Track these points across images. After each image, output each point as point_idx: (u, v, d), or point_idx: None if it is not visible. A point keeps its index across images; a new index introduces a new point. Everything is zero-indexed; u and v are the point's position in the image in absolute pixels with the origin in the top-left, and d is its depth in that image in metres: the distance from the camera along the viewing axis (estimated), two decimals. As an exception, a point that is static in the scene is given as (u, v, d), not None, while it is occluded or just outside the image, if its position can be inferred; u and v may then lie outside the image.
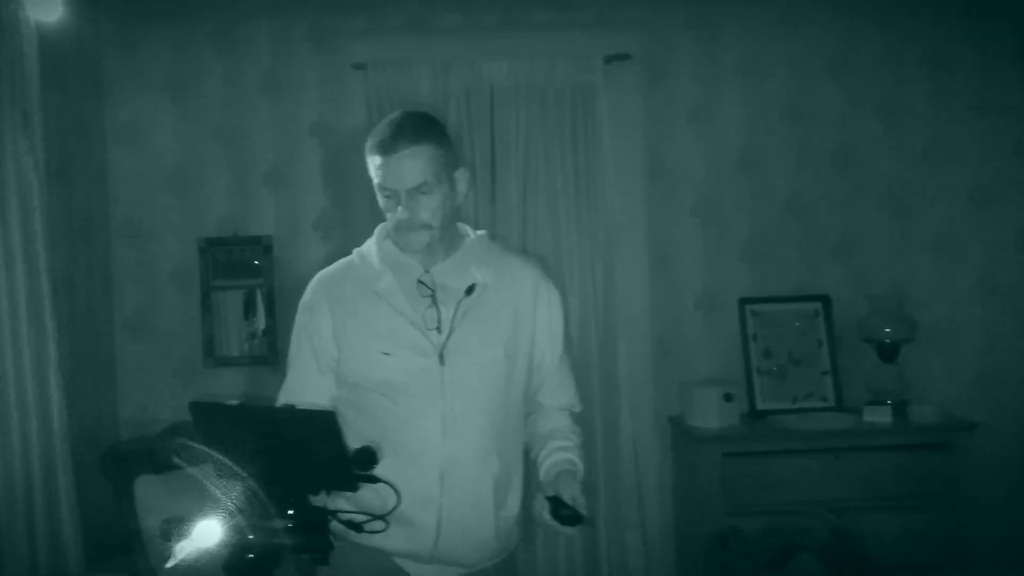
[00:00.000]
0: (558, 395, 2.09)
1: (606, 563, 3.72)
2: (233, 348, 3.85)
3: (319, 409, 1.78)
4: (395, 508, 1.75)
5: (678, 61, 3.92)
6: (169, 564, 1.53)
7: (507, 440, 1.99)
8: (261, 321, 3.83)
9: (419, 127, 1.91)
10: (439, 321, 1.94)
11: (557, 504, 1.85)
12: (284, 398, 2.04)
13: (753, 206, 3.95)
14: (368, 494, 1.75)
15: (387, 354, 1.92)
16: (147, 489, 2.97)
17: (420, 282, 1.97)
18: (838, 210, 3.94)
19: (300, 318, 2.06)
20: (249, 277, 3.83)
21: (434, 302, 1.95)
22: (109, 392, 3.81)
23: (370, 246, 2.05)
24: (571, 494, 1.86)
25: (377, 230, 2.05)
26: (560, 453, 1.99)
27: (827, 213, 3.94)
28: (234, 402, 1.63)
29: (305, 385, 2.02)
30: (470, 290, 1.96)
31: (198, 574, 1.57)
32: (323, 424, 1.58)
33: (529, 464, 2.06)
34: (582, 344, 3.76)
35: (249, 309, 3.85)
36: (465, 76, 3.78)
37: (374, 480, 1.66)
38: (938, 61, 3.93)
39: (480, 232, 2.07)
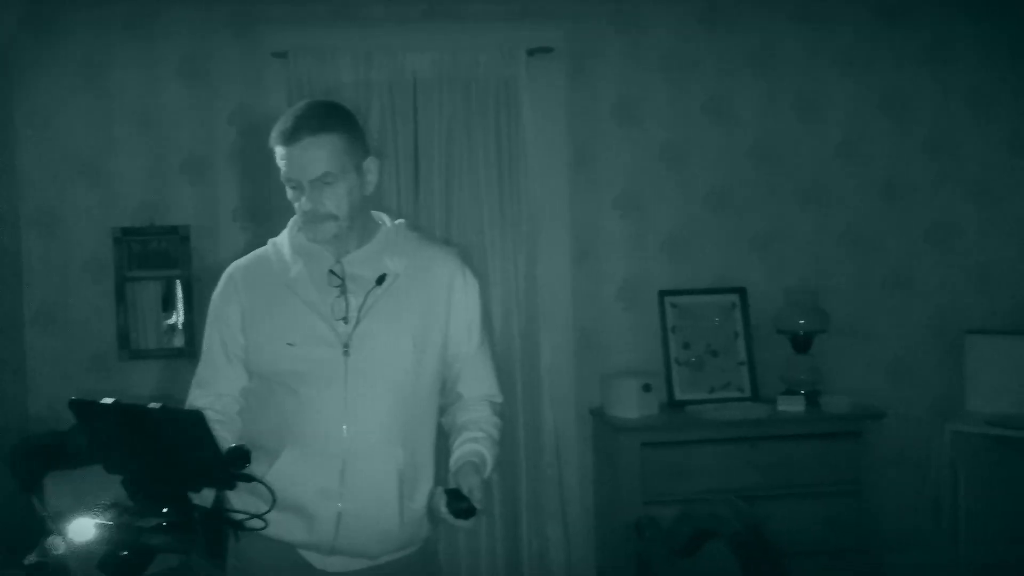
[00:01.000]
0: (476, 385, 2.08)
1: (527, 553, 3.74)
2: (150, 341, 3.78)
3: (188, 409, 1.78)
4: (271, 507, 1.74)
5: (602, 55, 3.95)
6: (29, 560, 1.52)
7: (415, 431, 1.98)
8: (179, 313, 3.77)
9: (322, 117, 1.89)
10: (347, 311, 1.92)
11: (453, 496, 1.84)
12: (195, 388, 2.03)
13: (674, 199, 4.00)
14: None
15: (292, 345, 1.90)
16: (57, 484, 2.90)
17: (331, 272, 1.95)
18: (757, 204, 4.02)
19: (211, 308, 2.04)
20: (166, 268, 3.75)
21: (343, 292, 1.94)
22: (18, 386, 3.70)
23: (283, 236, 2.03)
24: (469, 486, 1.86)
25: (291, 221, 2.03)
26: (469, 445, 1.98)
27: (746, 207, 4.01)
28: (108, 400, 1.61)
29: (215, 375, 2.01)
30: (380, 280, 1.95)
31: (71, 570, 1.56)
32: (192, 423, 1.58)
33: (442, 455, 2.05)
34: (504, 336, 3.78)
35: (168, 301, 3.78)
36: (388, 67, 3.76)
37: (249, 479, 1.67)
38: (854, 59, 4.03)
39: (398, 221, 2.06)
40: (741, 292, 3.95)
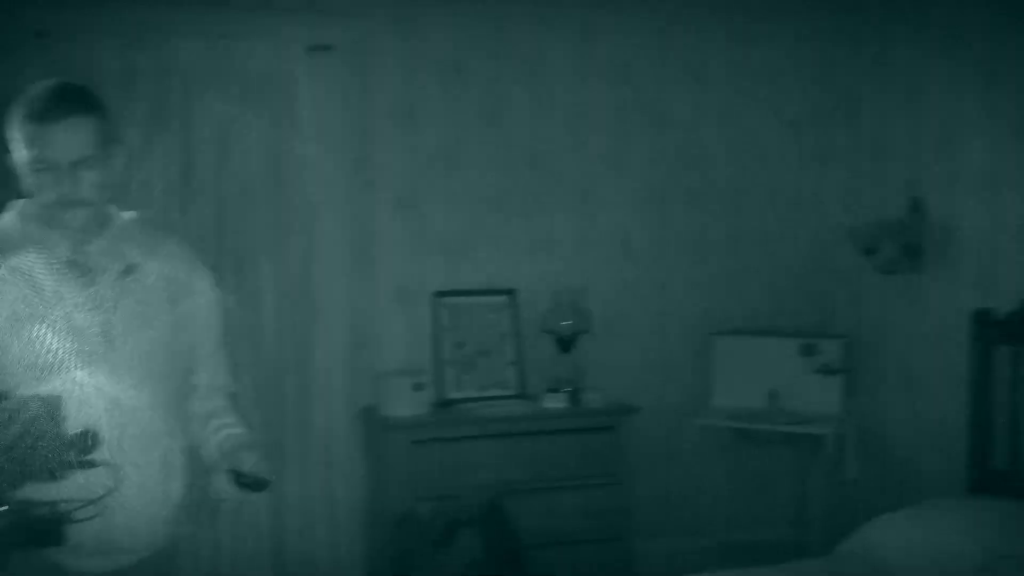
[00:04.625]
0: (214, 376, 2.11)
1: (294, 554, 3.73)
2: None
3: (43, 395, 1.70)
4: (110, 492, 1.70)
5: (382, 57, 3.99)
6: None
7: (169, 423, 1.97)
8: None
9: (83, 97, 1.84)
10: (96, 302, 1.88)
11: (238, 475, 1.90)
12: None
13: (450, 202, 4.10)
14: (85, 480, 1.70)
15: (35, 338, 1.83)
16: None
17: (72, 262, 1.89)
18: (529, 208, 4.18)
19: None
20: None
21: (87, 283, 1.89)
22: None
23: (12, 223, 1.93)
24: (251, 463, 1.91)
25: (21, 204, 1.94)
26: (228, 429, 2.02)
27: (518, 211, 4.17)
28: None
29: None
30: (127, 271, 1.92)
31: None
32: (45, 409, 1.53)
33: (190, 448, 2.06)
34: (277, 335, 3.75)
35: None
36: (157, 53, 3.63)
37: (92, 465, 1.63)
38: (620, 73, 4.26)
39: (130, 213, 2.04)
40: (512, 294, 4.10)
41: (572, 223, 4.25)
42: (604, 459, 3.80)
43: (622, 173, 4.31)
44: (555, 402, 3.84)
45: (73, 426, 1.69)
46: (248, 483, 1.89)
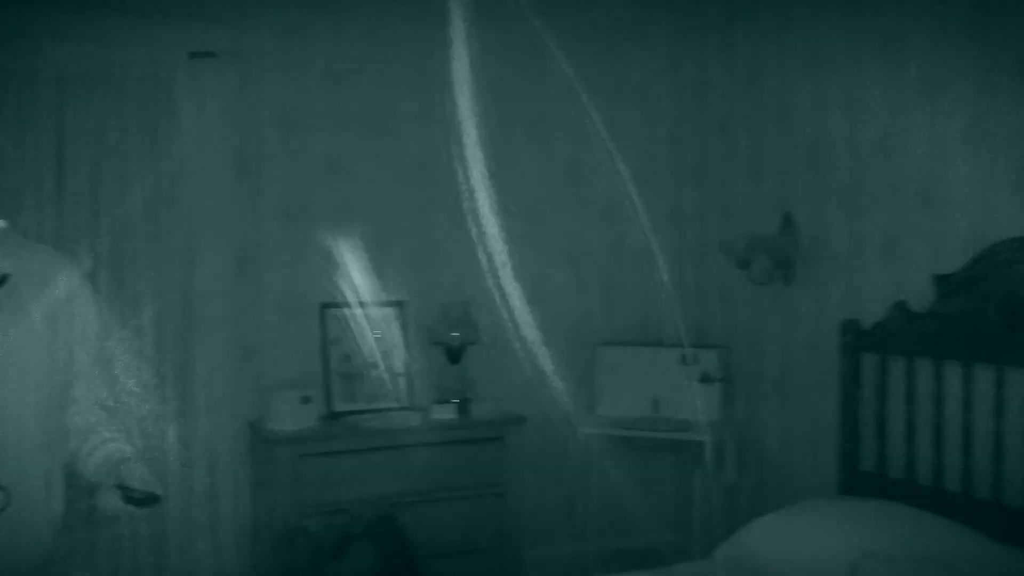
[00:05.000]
0: (92, 389, 2.07)
1: (176, 571, 3.62)
2: None
3: None
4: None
5: (265, 65, 3.94)
6: None
7: (51, 436, 1.92)
8: None
9: None
10: None
11: (126, 491, 1.87)
12: None
13: (338, 212, 4.07)
14: None
15: None
16: None
17: None
18: (414, 219, 4.19)
19: None
20: None
21: None
22: None
23: None
24: (139, 477, 1.88)
25: None
26: (110, 444, 1.98)
27: (404, 221, 4.17)
28: None
29: None
30: (1, 280, 1.85)
31: None
32: None
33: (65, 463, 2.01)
34: (157, 346, 3.64)
35: None
36: (28, 55, 3.48)
37: None
38: (503, 87, 4.31)
39: (0, 222, 1.97)
40: (400, 305, 4.09)
41: (457, 234, 4.27)
42: (493, 469, 3.83)
43: (504, 186, 4.35)
44: (444, 413, 3.85)
45: None
46: (138, 499, 1.86)
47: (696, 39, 4.46)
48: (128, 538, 3.52)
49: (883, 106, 3.50)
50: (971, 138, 3.17)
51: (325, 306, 3.98)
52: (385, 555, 2.17)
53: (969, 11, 3.16)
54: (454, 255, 4.26)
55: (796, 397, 3.92)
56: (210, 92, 3.81)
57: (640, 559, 3.51)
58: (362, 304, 4.04)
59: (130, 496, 1.86)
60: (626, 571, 3.08)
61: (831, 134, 3.73)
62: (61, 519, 1.95)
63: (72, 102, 3.56)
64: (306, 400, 3.67)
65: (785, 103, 3.96)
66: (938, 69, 3.28)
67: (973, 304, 3.06)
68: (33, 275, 1.92)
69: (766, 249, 3.93)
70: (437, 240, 4.23)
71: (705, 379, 4.14)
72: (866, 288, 3.58)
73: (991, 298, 3.01)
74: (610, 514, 4.39)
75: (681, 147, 4.58)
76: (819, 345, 3.78)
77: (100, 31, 3.61)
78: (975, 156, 3.16)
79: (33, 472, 1.86)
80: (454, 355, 4.03)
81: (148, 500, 1.87)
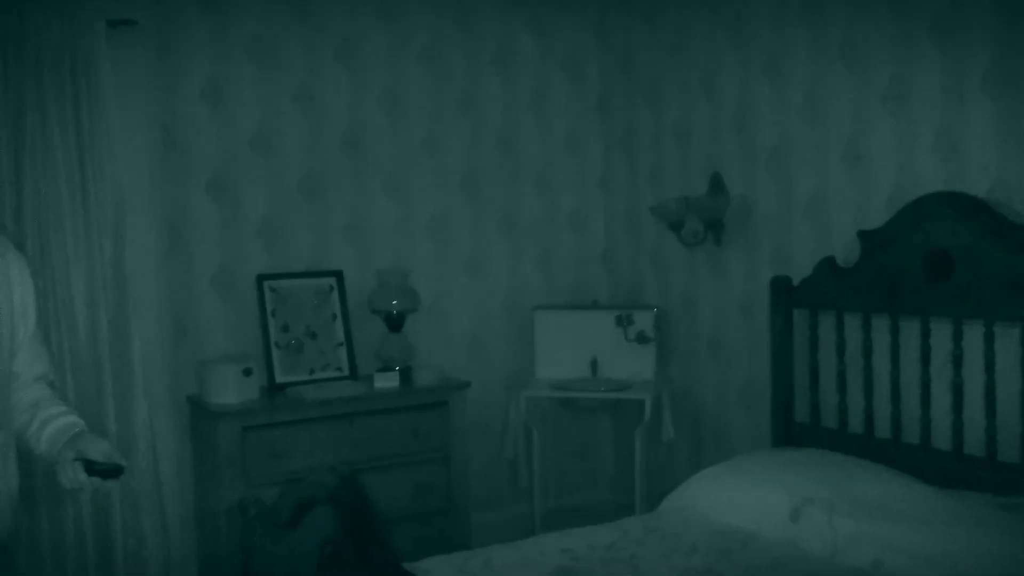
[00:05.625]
0: (35, 365, 2.07)
1: (121, 551, 3.57)
2: None
3: None
4: None
5: (189, 35, 3.86)
6: None
7: (6, 413, 1.90)
8: None
9: None
10: None
11: (89, 463, 1.87)
12: None
13: (268, 185, 4.02)
14: None
15: None
16: None
17: None
18: (347, 191, 4.17)
19: None
20: None
21: None
22: None
23: None
24: (101, 450, 1.89)
25: None
26: (63, 418, 1.99)
27: (337, 194, 4.14)
28: None
29: None
30: None
31: None
32: None
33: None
34: (91, 326, 3.57)
35: None
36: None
37: None
38: (433, 59, 4.31)
39: None
40: (338, 275, 4.08)
41: (392, 205, 4.27)
42: (437, 435, 3.87)
43: (437, 156, 4.36)
44: (386, 381, 3.86)
45: None
46: (102, 470, 1.87)
47: (622, 6, 4.51)
48: (71, 518, 3.46)
49: (806, 70, 3.61)
50: (891, 98, 3.30)
51: (262, 278, 3.94)
52: (346, 520, 2.19)
53: (889, -25, 3.28)
54: (389, 225, 4.26)
55: (730, 354, 4.04)
56: (133, 63, 3.72)
57: (585, 517, 3.58)
58: (298, 275, 4.02)
59: (94, 468, 1.85)
60: (573, 528, 3.15)
61: (756, 98, 3.83)
62: (18, 495, 1.93)
63: (-15, 74, 3.43)
64: (248, 372, 3.64)
65: (712, 69, 4.04)
66: (858, 33, 3.39)
67: (897, 258, 3.19)
68: None
69: (696, 211, 4.02)
70: (372, 210, 4.21)
71: (640, 339, 4.24)
72: (795, 246, 3.70)
73: (914, 252, 3.14)
74: (553, 474, 4.48)
75: (610, 114, 4.64)
76: (751, 303, 3.90)
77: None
78: (895, 116, 3.29)
79: None
80: (394, 323, 4.04)
81: (113, 471, 1.87)
